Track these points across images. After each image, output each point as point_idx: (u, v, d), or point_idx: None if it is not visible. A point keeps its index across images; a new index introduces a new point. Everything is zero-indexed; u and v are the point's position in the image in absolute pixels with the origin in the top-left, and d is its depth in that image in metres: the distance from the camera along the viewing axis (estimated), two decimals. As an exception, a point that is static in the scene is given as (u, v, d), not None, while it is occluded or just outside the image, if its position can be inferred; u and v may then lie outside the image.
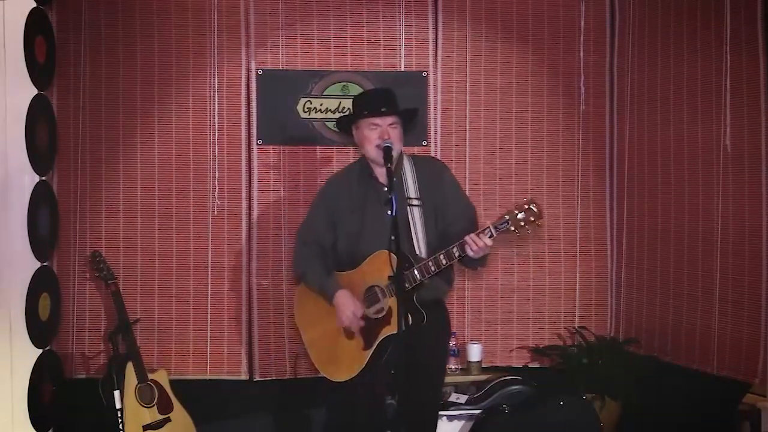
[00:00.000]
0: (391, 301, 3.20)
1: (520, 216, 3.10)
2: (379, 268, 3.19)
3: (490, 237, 3.09)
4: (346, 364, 3.32)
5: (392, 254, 2.96)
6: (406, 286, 3.15)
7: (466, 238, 3.11)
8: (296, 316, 3.59)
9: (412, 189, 3.34)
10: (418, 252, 3.26)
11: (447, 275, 3.38)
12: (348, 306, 3.28)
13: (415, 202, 3.32)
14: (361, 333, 3.29)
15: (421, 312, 3.18)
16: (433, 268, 3.17)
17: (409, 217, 3.29)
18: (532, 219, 3.10)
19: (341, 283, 3.34)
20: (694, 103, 3.97)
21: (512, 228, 3.10)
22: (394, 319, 3.17)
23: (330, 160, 4.28)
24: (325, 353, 3.42)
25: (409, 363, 2.92)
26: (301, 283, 3.56)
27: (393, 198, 2.99)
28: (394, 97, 3.39)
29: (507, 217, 3.11)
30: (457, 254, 3.14)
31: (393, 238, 2.93)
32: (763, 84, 3.63)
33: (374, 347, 3.26)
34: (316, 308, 3.41)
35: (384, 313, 3.25)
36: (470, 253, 3.11)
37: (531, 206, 3.10)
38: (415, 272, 3.17)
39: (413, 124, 3.61)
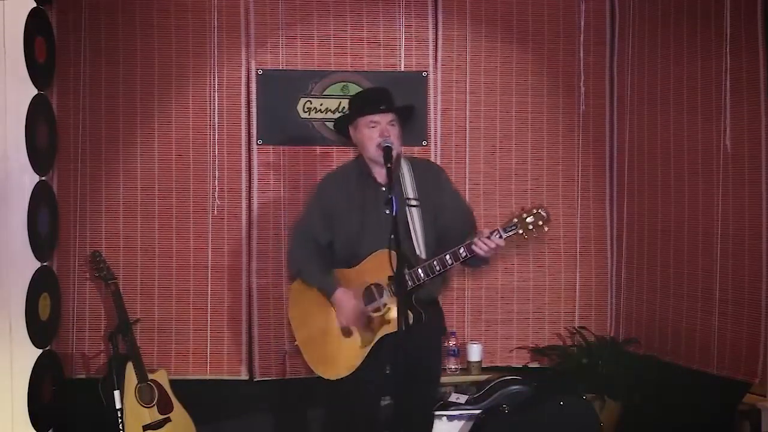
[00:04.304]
0: (390, 300, 3.22)
1: (528, 219, 3.12)
2: (379, 266, 3.18)
3: (500, 238, 3.11)
4: (342, 361, 3.31)
5: (392, 252, 2.95)
6: (409, 284, 3.16)
7: (476, 239, 3.12)
8: (290, 315, 3.57)
9: (410, 190, 3.34)
10: (417, 252, 3.27)
11: (445, 274, 3.37)
12: (348, 304, 3.28)
13: (414, 202, 3.32)
14: (359, 331, 3.30)
15: (419, 311, 3.18)
16: (438, 268, 3.18)
17: (408, 217, 3.29)
18: (540, 223, 3.13)
19: (340, 280, 3.34)
20: (694, 103, 3.97)
21: (520, 231, 3.13)
22: (393, 318, 3.18)
23: (330, 160, 4.28)
24: (320, 352, 3.40)
25: (406, 362, 2.92)
26: (294, 282, 3.55)
27: (393, 198, 2.98)
28: (390, 95, 3.39)
29: (515, 220, 3.13)
30: (463, 255, 3.16)
31: (393, 237, 2.92)
32: (763, 84, 3.63)
33: (372, 345, 3.26)
34: (311, 306, 3.41)
35: (383, 311, 3.26)
36: (481, 253, 3.13)
37: (539, 210, 3.13)
38: (420, 272, 3.18)
39: (410, 122, 3.61)
